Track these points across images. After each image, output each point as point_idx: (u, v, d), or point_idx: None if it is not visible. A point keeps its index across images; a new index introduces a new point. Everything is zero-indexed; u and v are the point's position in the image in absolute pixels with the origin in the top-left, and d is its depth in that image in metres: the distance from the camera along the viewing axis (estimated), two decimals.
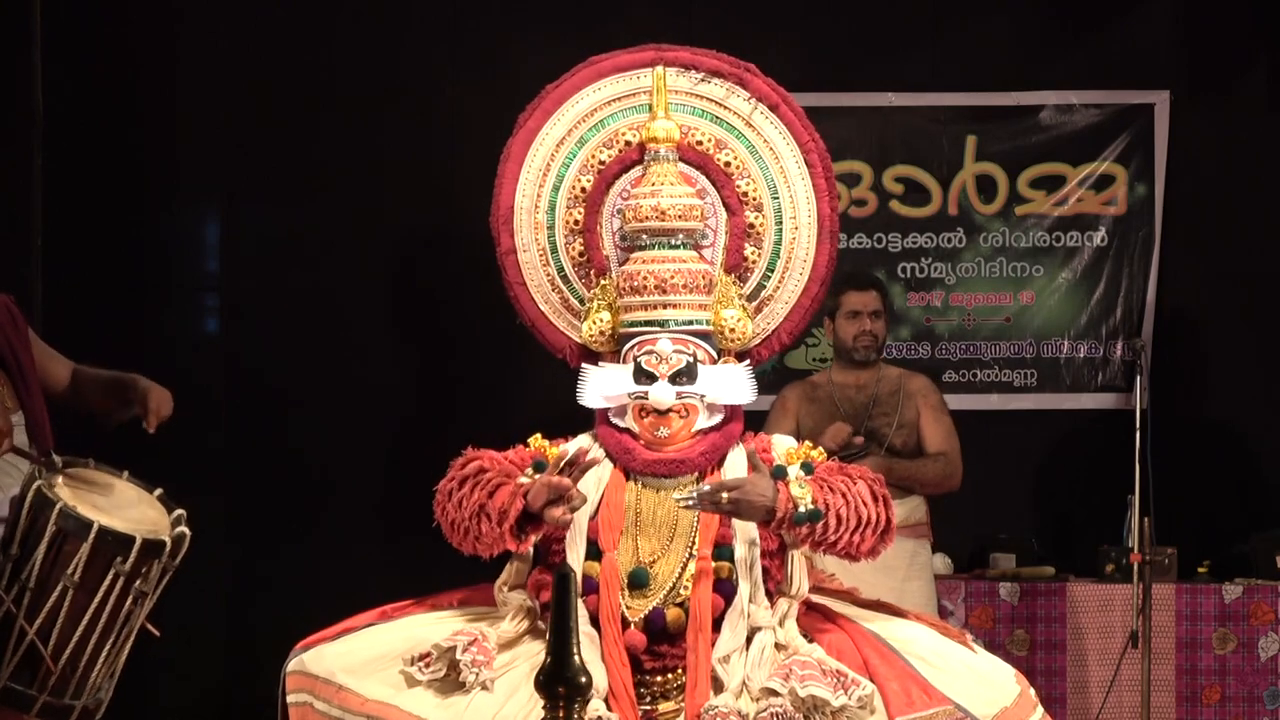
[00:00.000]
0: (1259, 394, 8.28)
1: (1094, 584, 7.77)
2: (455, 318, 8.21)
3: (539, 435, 4.45)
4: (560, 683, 3.51)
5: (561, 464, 4.26)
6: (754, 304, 4.49)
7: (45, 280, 7.69)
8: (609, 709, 4.22)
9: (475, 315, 8.08)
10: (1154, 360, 8.07)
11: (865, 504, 4.23)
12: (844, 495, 4.22)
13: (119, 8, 8.09)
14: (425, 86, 8.22)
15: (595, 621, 4.28)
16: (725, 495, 4.17)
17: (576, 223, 4.51)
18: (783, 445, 4.41)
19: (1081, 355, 8.43)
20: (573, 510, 4.22)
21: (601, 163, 4.50)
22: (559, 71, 4.63)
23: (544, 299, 4.56)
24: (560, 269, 4.54)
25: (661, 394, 4.30)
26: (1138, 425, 7.22)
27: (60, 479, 4.98)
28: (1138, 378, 7.33)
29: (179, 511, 5.09)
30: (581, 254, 4.52)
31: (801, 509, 4.18)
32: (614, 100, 4.52)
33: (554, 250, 4.54)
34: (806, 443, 4.42)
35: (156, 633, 5.12)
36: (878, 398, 7.09)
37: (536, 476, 4.27)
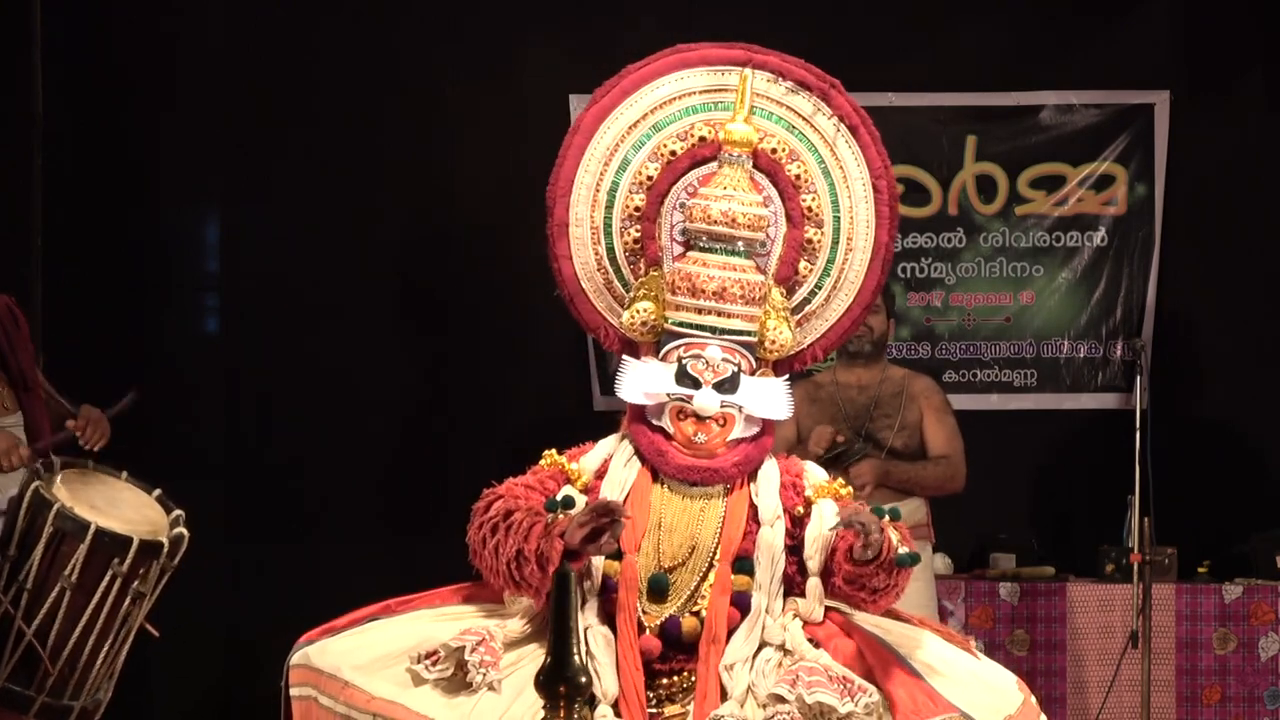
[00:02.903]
0: (1259, 394, 8.28)
1: (1094, 584, 7.77)
2: (455, 317, 8.21)
3: (553, 451, 4.42)
4: (560, 682, 3.51)
5: (596, 511, 4.20)
6: (796, 317, 4.47)
7: (45, 280, 7.69)
8: (617, 714, 4.21)
9: (475, 315, 8.09)
10: (1154, 360, 8.07)
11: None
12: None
13: (119, 8, 8.10)
14: (425, 86, 8.22)
15: (612, 622, 4.27)
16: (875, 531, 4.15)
17: (636, 209, 4.46)
18: (815, 476, 4.40)
19: (1081, 355, 8.43)
20: (615, 536, 4.19)
21: (672, 153, 4.45)
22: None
23: (588, 277, 4.51)
24: (610, 250, 4.50)
25: (707, 401, 4.29)
26: (1138, 425, 7.22)
27: (58, 480, 4.98)
28: (1138, 378, 7.33)
29: (177, 512, 5.10)
30: (636, 240, 4.47)
31: (902, 551, 4.18)
32: (696, 93, 4.47)
33: (607, 231, 4.49)
34: (839, 480, 4.41)
35: (155, 633, 5.13)
36: (880, 399, 7.09)
37: (561, 514, 4.22)
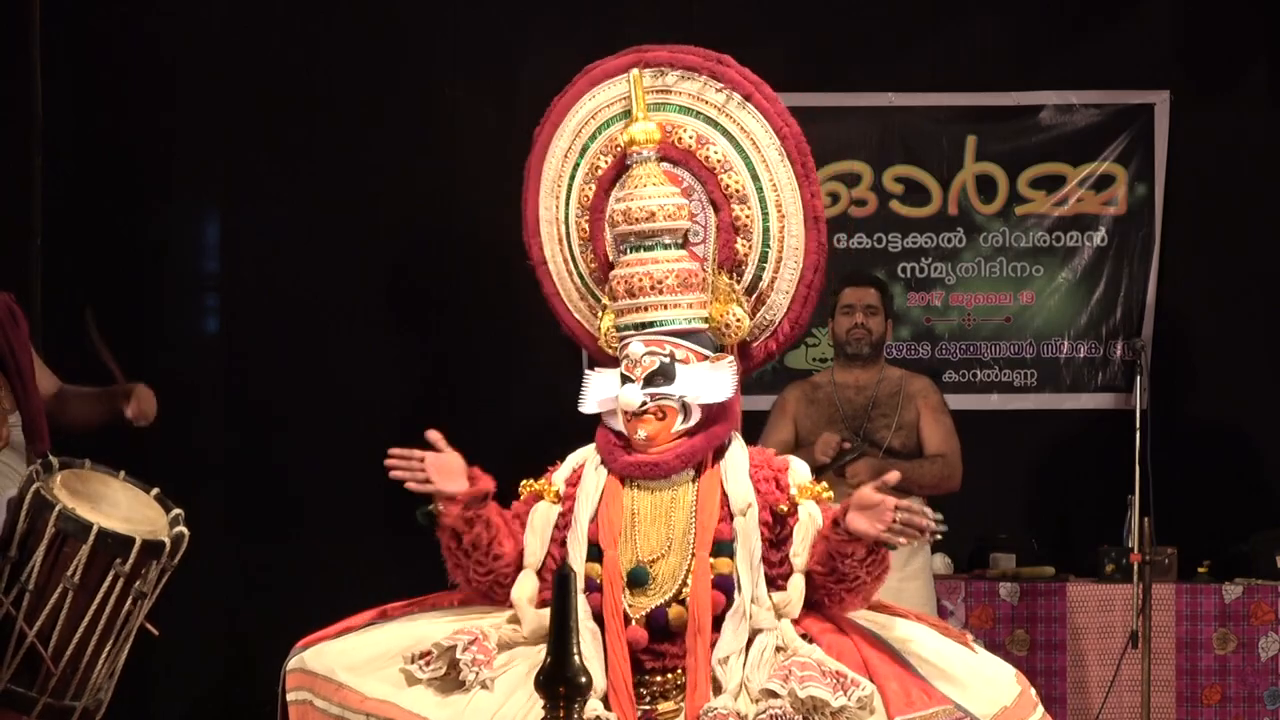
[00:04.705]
0: (1259, 394, 8.28)
1: (1094, 584, 7.77)
2: (454, 318, 8.21)
3: (530, 480, 4.46)
4: (560, 683, 3.50)
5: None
6: (754, 297, 4.49)
7: (45, 280, 7.69)
8: (607, 708, 4.23)
9: (474, 316, 8.09)
10: (1154, 360, 8.07)
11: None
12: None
13: (118, 8, 8.10)
14: (425, 88, 8.22)
15: (598, 620, 4.30)
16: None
17: (584, 231, 4.54)
18: (798, 475, 4.41)
19: (1081, 355, 8.43)
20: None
21: (599, 170, 4.51)
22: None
23: (575, 308, 4.61)
24: (582, 278, 4.58)
25: (627, 396, 4.32)
26: (1138, 425, 7.22)
27: (58, 480, 4.98)
28: (1138, 378, 7.33)
29: (176, 511, 5.09)
30: (592, 261, 4.54)
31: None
32: (607, 106, 4.53)
33: (574, 260, 4.57)
34: (823, 484, 4.42)
35: (156, 633, 5.13)
36: (877, 399, 7.09)
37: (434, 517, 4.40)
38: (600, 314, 4.51)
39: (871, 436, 7.03)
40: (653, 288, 4.35)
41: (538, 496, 4.42)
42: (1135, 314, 8.38)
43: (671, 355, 4.34)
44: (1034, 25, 8.38)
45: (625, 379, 4.33)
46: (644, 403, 4.30)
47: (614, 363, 4.46)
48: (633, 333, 4.36)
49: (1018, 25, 8.38)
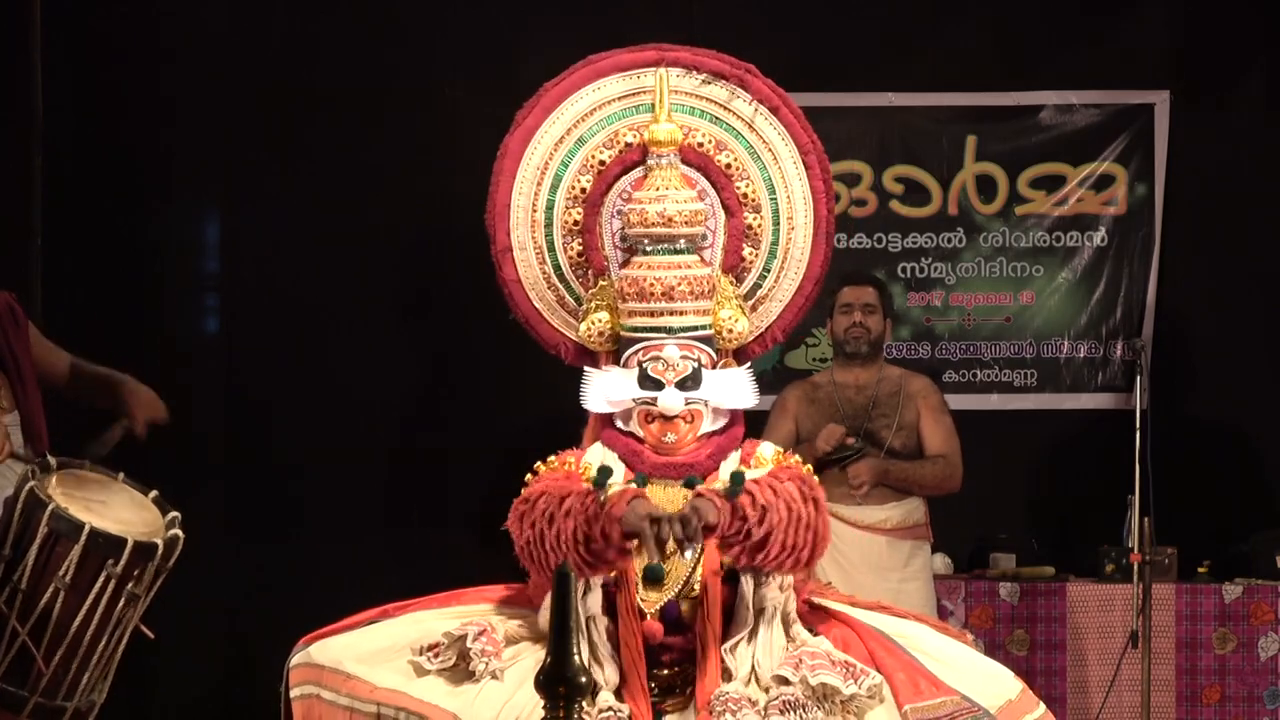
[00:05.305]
0: (1259, 394, 8.28)
1: (1094, 584, 7.77)
2: (454, 318, 8.20)
3: (553, 459, 4.42)
4: (560, 682, 3.50)
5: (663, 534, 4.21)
6: (749, 303, 4.52)
7: (45, 280, 7.69)
8: (620, 701, 4.24)
9: (475, 315, 8.06)
10: (1154, 360, 8.07)
11: (794, 500, 4.24)
12: (771, 489, 4.24)
13: (119, 8, 8.09)
14: (425, 88, 8.22)
15: (611, 615, 4.31)
16: (692, 531, 4.16)
17: (575, 223, 4.53)
18: (762, 453, 4.43)
19: (1081, 355, 8.43)
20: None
21: (601, 163, 4.51)
22: (559, 71, 4.64)
23: (539, 296, 4.57)
24: (557, 267, 4.56)
25: (670, 401, 4.33)
26: (1138, 425, 7.22)
27: (54, 480, 4.98)
28: (1138, 378, 7.33)
29: (173, 514, 5.08)
30: (580, 254, 4.53)
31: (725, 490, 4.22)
32: (614, 100, 4.53)
33: (551, 249, 4.55)
34: (778, 449, 4.43)
35: (151, 635, 5.12)
36: (878, 399, 7.09)
37: (609, 487, 4.26)
38: (588, 307, 4.48)
39: (873, 436, 7.04)
40: (691, 292, 4.38)
41: (569, 475, 4.37)
42: (1135, 314, 8.38)
43: (699, 360, 4.36)
44: (1034, 25, 8.38)
45: (653, 382, 4.34)
46: (683, 408, 4.33)
47: (589, 358, 4.47)
48: (663, 336, 4.37)
49: (1018, 25, 8.38)
